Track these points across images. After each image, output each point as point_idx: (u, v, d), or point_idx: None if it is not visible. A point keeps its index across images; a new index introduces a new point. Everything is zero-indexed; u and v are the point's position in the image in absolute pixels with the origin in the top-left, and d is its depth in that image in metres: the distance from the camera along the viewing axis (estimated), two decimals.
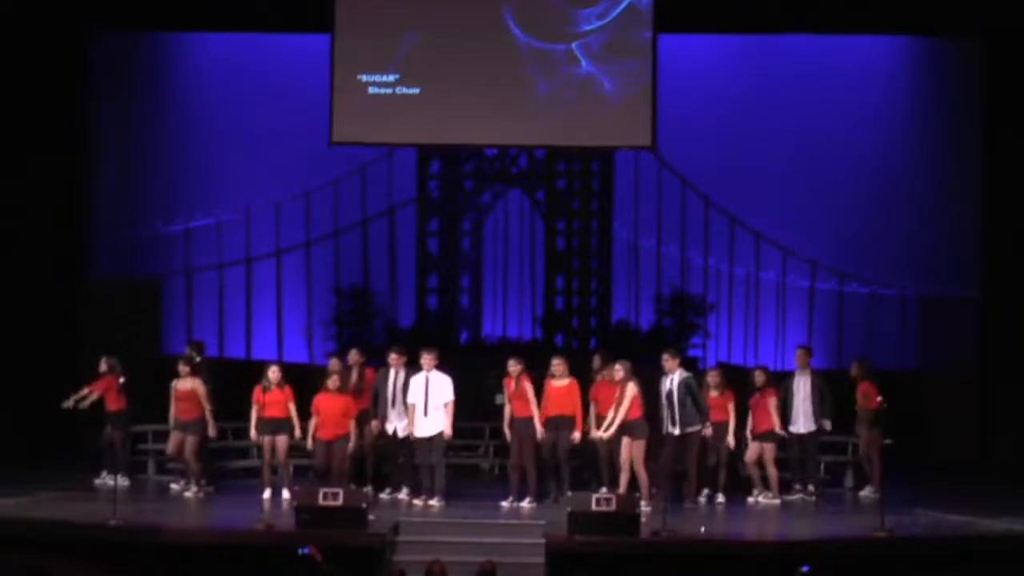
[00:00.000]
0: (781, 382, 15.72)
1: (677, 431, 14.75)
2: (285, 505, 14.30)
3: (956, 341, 19.97)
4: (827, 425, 15.63)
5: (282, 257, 22.51)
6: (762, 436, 15.32)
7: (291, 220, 22.42)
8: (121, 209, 20.52)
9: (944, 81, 20.40)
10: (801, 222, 21.95)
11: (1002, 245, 19.00)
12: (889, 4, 18.87)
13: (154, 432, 16.78)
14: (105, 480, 15.55)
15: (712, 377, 15.40)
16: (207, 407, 15.31)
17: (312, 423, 14.69)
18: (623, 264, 23.12)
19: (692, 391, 14.80)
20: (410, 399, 14.60)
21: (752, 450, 15.36)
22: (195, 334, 20.91)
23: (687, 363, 16.75)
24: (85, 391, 15.82)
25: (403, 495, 14.89)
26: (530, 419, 14.58)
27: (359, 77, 19.03)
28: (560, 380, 14.81)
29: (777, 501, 15.26)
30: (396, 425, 14.92)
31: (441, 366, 14.68)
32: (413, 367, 14.89)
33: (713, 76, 21.36)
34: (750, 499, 15.37)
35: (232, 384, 16.06)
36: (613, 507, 12.63)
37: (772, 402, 15.37)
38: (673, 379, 14.81)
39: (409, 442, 14.72)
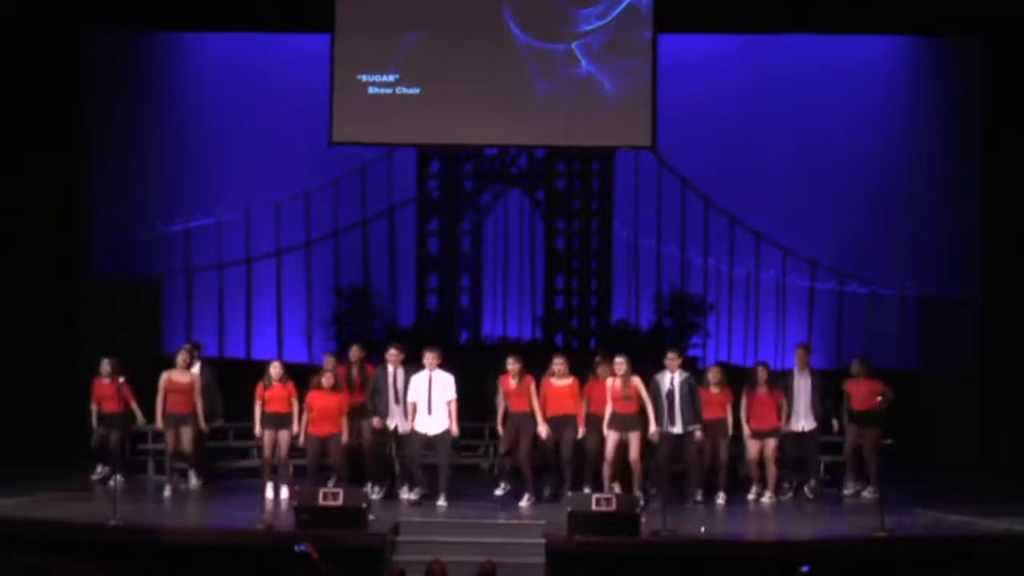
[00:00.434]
0: (778, 380, 15.73)
1: (676, 430, 14.80)
2: (285, 504, 14.30)
3: (956, 341, 19.97)
4: (836, 425, 15.67)
5: (282, 257, 22.51)
6: (764, 434, 15.32)
7: (291, 220, 22.43)
8: (121, 209, 20.51)
9: (944, 81, 20.40)
10: (801, 222, 21.95)
11: (1002, 245, 19.00)
12: (889, 4, 18.87)
13: (154, 432, 16.76)
14: (102, 473, 15.59)
15: (713, 374, 15.40)
16: (199, 402, 15.30)
17: (304, 419, 14.71)
18: (623, 264, 23.13)
19: (694, 391, 14.87)
20: (412, 397, 14.60)
21: (753, 448, 15.36)
22: (195, 334, 20.93)
23: (686, 363, 16.77)
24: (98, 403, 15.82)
25: (405, 494, 14.87)
26: (530, 414, 14.59)
27: (359, 77, 19.03)
28: (562, 380, 14.83)
29: (782, 497, 15.29)
30: (397, 422, 14.94)
31: (443, 365, 14.71)
32: (412, 365, 14.89)
33: (713, 76, 21.35)
34: (750, 496, 15.37)
35: (232, 384, 16.07)
36: (613, 507, 12.64)
37: (776, 399, 15.38)
38: (675, 378, 14.85)
39: (405, 438, 14.75)
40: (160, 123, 20.80)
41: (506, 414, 14.72)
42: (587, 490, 14.41)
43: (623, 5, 19.03)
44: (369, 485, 14.84)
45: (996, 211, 19.15)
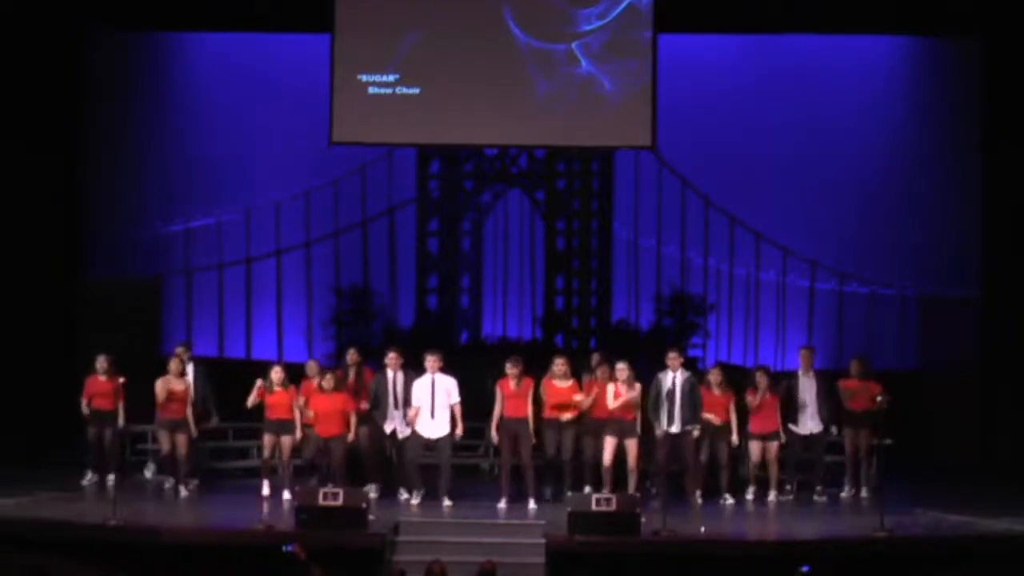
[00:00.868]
0: (779, 382, 15.73)
1: (675, 429, 14.81)
2: (286, 505, 14.30)
3: (956, 341, 19.97)
4: (835, 431, 15.69)
5: (282, 257, 22.50)
6: (766, 436, 15.33)
7: (291, 220, 22.41)
8: (121, 209, 20.50)
9: (944, 81, 20.39)
10: (801, 222, 21.93)
11: (1002, 245, 19.00)
12: (889, 4, 18.87)
13: (153, 432, 16.76)
14: (92, 478, 15.61)
15: (714, 376, 15.41)
16: (189, 408, 15.34)
17: (300, 419, 14.72)
18: (623, 264, 23.11)
19: (695, 391, 14.90)
20: (415, 401, 14.59)
21: (755, 450, 15.37)
22: (195, 334, 20.94)
23: (686, 363, 16.76)
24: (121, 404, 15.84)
25: (404, 495, 14.87)
26: (526, 420, 14.57)
27: (359, 77, 19.03)
28: (563, 381, 14.83)
29: (781, 498, 15.31)
30: (397, 426, 14.93)
31: (444, 368, 14.70)
32: (412, 368, 14.88)
33: (713, 76, 21.34)
34: (748, 497, 15.37)
35: (232, 384, 16.06)
36: (613, 507, 12.64)
37: (777, 402, 15.39)
38: (676, 378, 14.86)
39: (405, 442, 14.75)
40: (160, 123, 20.79)
41: (500, 419, 14.67)
42: (587, 490, 14.43)
43: (623, 5, 19.03)
44: (372, 487, 14.85)
45: (996, 211, 19.16)
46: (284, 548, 10.09)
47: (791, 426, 15.54)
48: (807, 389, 15.63)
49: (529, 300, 23.48)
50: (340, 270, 22.68)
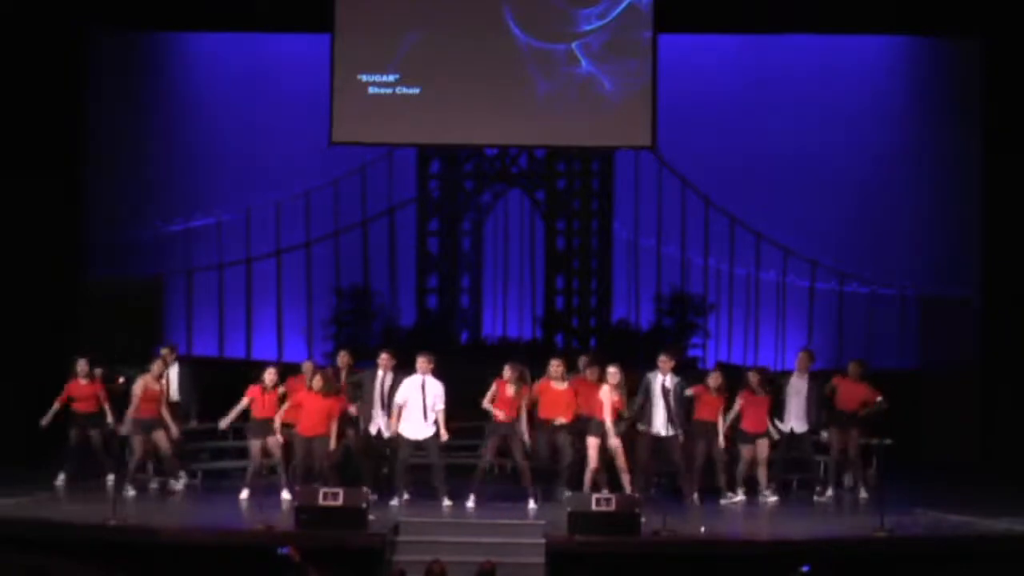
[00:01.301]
0: (772, 383, 15.74)
1: (662, 432, 14.82)
2: (285, 505, 14.29)
3: (956, 341, 19.97)
4: (824, 436, 15.70)
5: (282, 257, 22.51)
6: (756, 436, 15.33)
7: (291, 220, 22.43)
8: (121, 209, 20.52)
9: (944, 81, 20.40)
10: (801, 222, 21.95)
11: (1002, 245, 18.99)
12: (889, 4, 18.87)
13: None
14: (63, 479, 15.63)
15: (714, 379, 15.36)
16: (166, 409, 15.34)
17: (281, 413, 14.74)
18: (623, 264, 23.13)
19: (682, 397, 14.90)
20: (399, 399, 14.57)
21: (746, 450, 15.38)
22: (195, 334, 20.95)
23: (687, 363, 16.76)
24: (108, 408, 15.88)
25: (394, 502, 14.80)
26: (516, 422, 14.55)
27: (359, 77, 19.04)
28: (559, 383, 14.82)
29: (770, 497, 15.33)
30: (380, 425, 14.92)
31: (435, 371, 14.65)
32: (404, 371, 14.81)
33: (713, 76, 21.36)
34: (740, 497, 15.38)
35: (232, 384, 16.04)
36: (613, 507, 12.64)
37: (768, 402, 15.40)
38: (666, 381, 14.88)
39: (391, 442, 14.75)
40: (160, 123, 20.81)
41: (490, 421, 14.62)
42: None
43: (623, 5, 19.04)
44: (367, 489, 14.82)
45: (996, 211, 19.15)
46: (279, 551, 10.08)
47: (777, 423, 15.57)
48: (798, 389, 15.63)
49: (529, 300, 23.50)
50: (340, 270, 22.70)
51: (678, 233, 22.87)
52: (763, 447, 15.33)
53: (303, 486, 13.62)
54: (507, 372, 14.59)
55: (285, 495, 14.74)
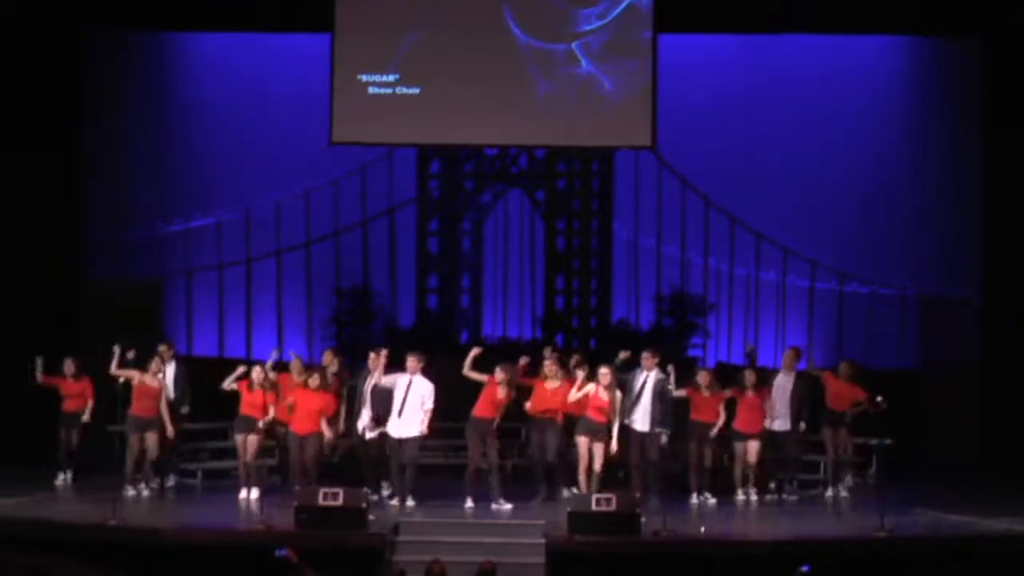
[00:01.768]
0: (766, 381, 15.76)
1: (640, 427, 14.82)
2: (254, 505, 14.29)
3: (956, 341, 19.98)
4: (802, 427, 15.72)
5: (282, 257, 22.49)
6: (748, 435, 15.33)
7: (291, 220, 22.40)
8: (121, 209, 20.51)
9: (944, 81, 20.40)
10: (801, 222, 21.93)
11: (1001, 245, 19.00)
12: (889, 4, 18.87)
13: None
14: (64, 479, 15.63)
15: (703, 378, 15.37)
16: (165, 407, 15.31)
17: (273, 410, 14.72)
18: (623, 264, 23.09)
19: (665, 395, 14.89)
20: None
21: (739, 449, 15.39)
22: (195, 334, 20.94)
23: (687, 363, 16.75)
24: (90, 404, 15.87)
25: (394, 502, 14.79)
26: (493, 421, 14.52)
27: (359, 77, 19.04)
28: (552, 381, 14.82)
29: (766, 497, 15.32)
30: (365, 426, 14.93)
31: (426, 371, 14.62)
32: (396, 370, 14.79)
33: (713, 76, 21.34)
34: (740, 497, 15.39)
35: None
36: (613, 507, 12.64)
37: (762, 402, 15.41)
38: (648, 378, 14.90)
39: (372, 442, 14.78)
40: (159, 123, 20.80)
41: (470, 418, 14.59)
42: (574, 490, 14.40)
43: (623, 5, 19.04)
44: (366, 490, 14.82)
45: (996, 211, 19.16)
46: (276, 553, 10.08)
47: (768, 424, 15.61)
48: (782, 387, 15.66)
49: (529, 300, 23.46)
50: (340, 270, 22.67)
51: (678, 233, 22.83)
52: (752, 447, 15.32)
53: (301, 485, 13.65)
54: (499, 374, 14.56)
55: (253, 493, 14.75)
